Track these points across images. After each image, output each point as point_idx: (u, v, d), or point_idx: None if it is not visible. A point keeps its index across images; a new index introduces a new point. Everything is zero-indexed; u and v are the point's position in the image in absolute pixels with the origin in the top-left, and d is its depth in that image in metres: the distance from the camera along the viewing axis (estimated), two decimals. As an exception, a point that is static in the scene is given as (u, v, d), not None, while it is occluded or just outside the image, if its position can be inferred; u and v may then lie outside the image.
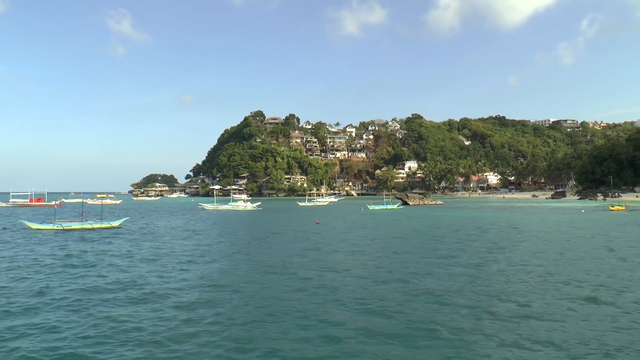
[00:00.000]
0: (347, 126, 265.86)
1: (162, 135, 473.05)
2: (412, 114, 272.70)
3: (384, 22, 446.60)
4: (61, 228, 36.71)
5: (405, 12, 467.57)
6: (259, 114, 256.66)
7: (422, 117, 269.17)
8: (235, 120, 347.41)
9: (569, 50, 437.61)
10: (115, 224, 40.45)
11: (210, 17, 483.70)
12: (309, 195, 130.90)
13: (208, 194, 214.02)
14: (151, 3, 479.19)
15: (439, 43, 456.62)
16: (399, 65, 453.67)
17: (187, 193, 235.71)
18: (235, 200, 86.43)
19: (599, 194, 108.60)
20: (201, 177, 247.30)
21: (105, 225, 39.25)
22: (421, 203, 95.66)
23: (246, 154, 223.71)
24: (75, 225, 37.70)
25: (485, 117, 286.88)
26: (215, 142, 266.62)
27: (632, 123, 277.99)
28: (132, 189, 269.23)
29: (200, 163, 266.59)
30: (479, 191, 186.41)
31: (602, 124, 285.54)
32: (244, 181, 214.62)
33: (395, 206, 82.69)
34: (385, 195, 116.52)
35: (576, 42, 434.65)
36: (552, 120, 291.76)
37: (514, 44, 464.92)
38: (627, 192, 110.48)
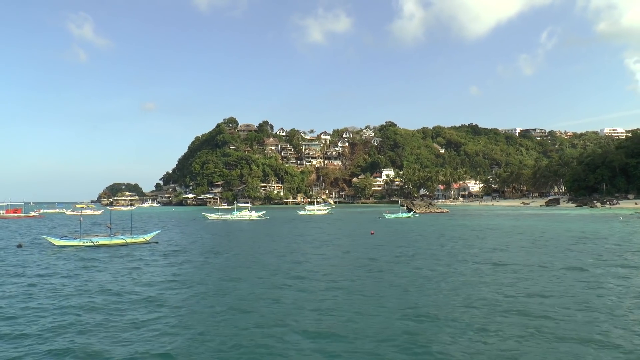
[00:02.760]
0: (321, 133, 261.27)
1: (124, 143, 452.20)
2: (386, 122, 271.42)
3: (349, 31, 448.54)
4: (91, 244, 29.96)
5: (371, 21, 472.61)
6: (232, 121, 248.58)
7: (395, 125, 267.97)
8: (203, 128, 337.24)
9: (529, 61, 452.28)
10: (148, 237, 33.96)
11: (175, 23, 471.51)
12: (293, 203, 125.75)
13: (181, 203, 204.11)
14: (114, 7, 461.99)
15: (404, 52, 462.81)
16: (365, 74, 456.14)
17: (159, 202, 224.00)
18: (239, 209, 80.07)
19: (595, 201, 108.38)
20: (172, 185, 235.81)
21: (137, 239, 32.71)
22: (427, 211, 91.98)
23: (220, 162, 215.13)
24: (105, 241, 31.00)
25: (457, 125, 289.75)
26: (185, 149, 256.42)
27: (595, 132, 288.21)
28: (95, 198, 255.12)
29: (170, 171, 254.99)
30: (461, 199, 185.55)
31: (568, 133, 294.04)
32: (219, 189, 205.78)
33: (409, 215, 78.66)
34: (362, 203, 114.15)
35: (536, 53, 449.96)
36: (519, 129, 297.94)
37: (477, 54, 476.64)
38: (620, 199, 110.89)
